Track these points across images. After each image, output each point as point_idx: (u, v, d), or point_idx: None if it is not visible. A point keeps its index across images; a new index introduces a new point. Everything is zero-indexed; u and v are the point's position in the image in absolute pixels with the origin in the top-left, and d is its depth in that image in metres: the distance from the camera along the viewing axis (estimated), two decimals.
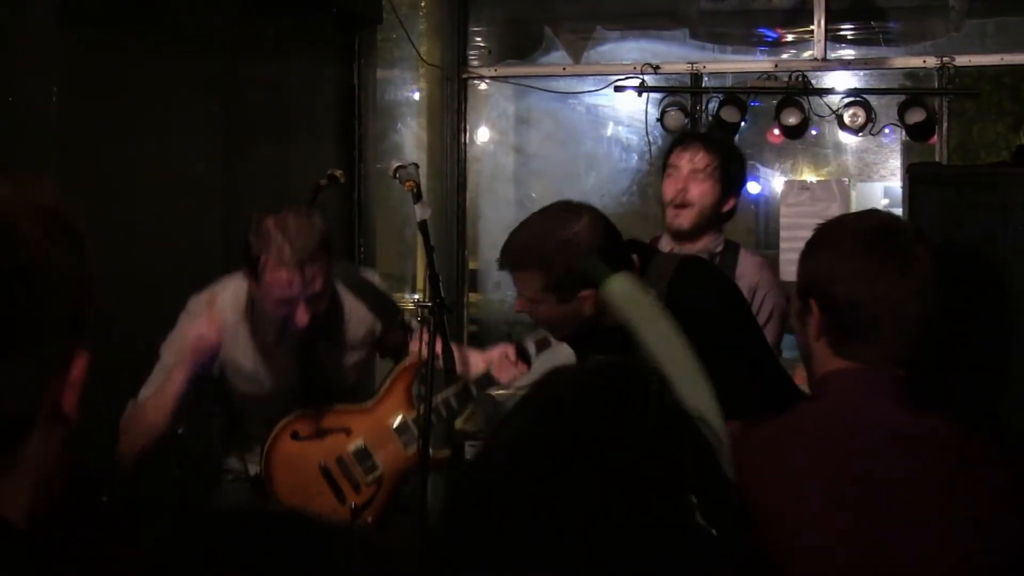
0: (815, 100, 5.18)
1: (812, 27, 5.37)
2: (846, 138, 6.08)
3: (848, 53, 5.49)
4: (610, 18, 5.88)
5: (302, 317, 2.73)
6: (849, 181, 5.77)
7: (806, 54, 5.45)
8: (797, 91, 5.16)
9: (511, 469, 1.10)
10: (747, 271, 3.32)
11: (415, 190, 2.78)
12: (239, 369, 2.94)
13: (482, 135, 6.06)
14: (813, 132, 5.67)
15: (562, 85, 5.86)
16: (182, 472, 2.89)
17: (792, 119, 5.11)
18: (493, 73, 5.81)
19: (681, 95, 5.35)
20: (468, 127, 5.82)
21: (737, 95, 5.27)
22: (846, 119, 5.12)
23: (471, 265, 5.94)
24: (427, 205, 2.80)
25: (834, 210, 4.95)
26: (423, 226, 2.77)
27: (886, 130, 5.30)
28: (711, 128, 5.23)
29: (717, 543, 1.08)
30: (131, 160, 3.49)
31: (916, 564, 1.58)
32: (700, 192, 3.40)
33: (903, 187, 3.20)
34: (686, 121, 5.25)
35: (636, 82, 5.35)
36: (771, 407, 1.80)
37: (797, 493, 1.63)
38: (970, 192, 2.38)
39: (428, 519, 2.85)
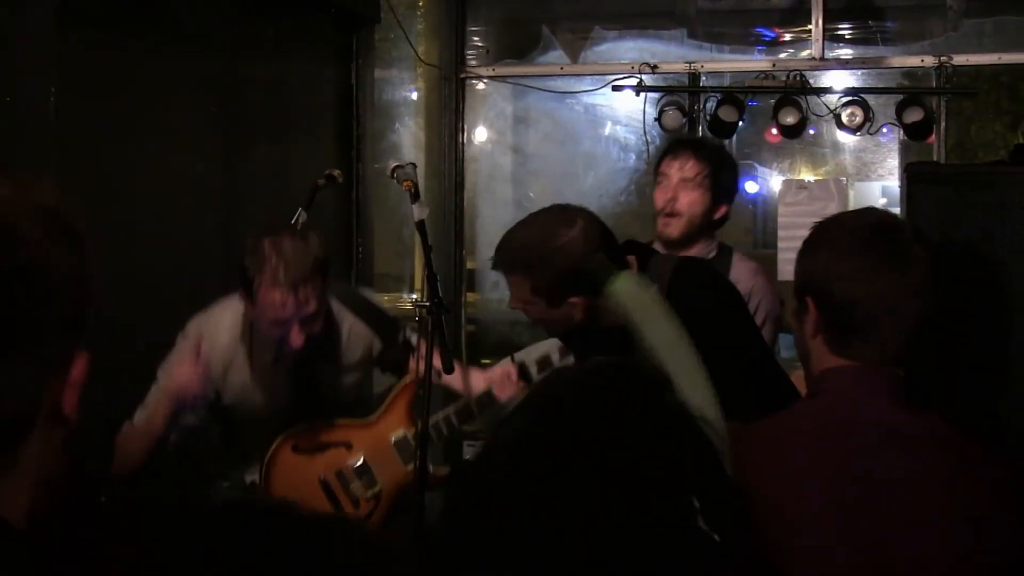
0: (813, 99, 5.18)
1: (810, 26, 5.37)
2: (844, 137, 6.09)
3: (846, 52, 5.49)
4: (608, 18, 5.88)
5: (296, 338, 2.73)
6: (847, 180, 5.78)
7: (804, 53, 5.45)
8: (795, 90, 5.16)
9: (511, 469, 1.10)
10: (741, 277, 3.30)
11: (413, 190, 2.78)
12: (236, 390, 2.96)
13: (480, 135, 6.06)
14: (811, 131, 5.67)
15: (560, 85, 5.86)
16: (179, 477, 2.91)
17: (790, 118, 5.11)
18: (491, 73, 5.81)
19: (679, 94, 5.35)
20: (466, 127, 5.82)
21: (735, 94, 5.26)
22: (844, 118, 5.12)
23: (469, 265, 5.93)
24: (425, 205, 2.80)
25: (832, 209, 4.94)
26: (421, 226, 2.77)
27: (884, 129, 5.30)
28: (709, 126, 5.23)
29: (717, 544, 1.08)
30: (130, 160, 3.49)
31: (916, 564, 1.58)
32: (689, 201, 3.40)
33: (901, 186, 3.21)
34: (684, 120, 5.25)
35: (634, 82, 5.35)
36: (770, 407, 1.80)
37: (797, 493, 1.63)
38: (968, 191, 2.38)
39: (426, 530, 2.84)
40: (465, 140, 5.81)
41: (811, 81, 5.25)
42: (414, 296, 5.36)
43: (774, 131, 5.34)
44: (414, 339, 3.01)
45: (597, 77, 5.60)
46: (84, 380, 0.97)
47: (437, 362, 2.78)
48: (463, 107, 5.79)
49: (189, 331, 2.93)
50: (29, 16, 2.93)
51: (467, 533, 1.10)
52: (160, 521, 0.91)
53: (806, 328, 1.76)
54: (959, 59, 5.17)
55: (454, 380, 3.07)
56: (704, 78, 5.47)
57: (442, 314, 2.78)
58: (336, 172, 3.29)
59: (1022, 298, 2.12)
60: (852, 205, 5.63)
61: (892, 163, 6.29)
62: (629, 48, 5.78)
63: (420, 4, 5.71)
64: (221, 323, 2.94)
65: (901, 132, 5.23)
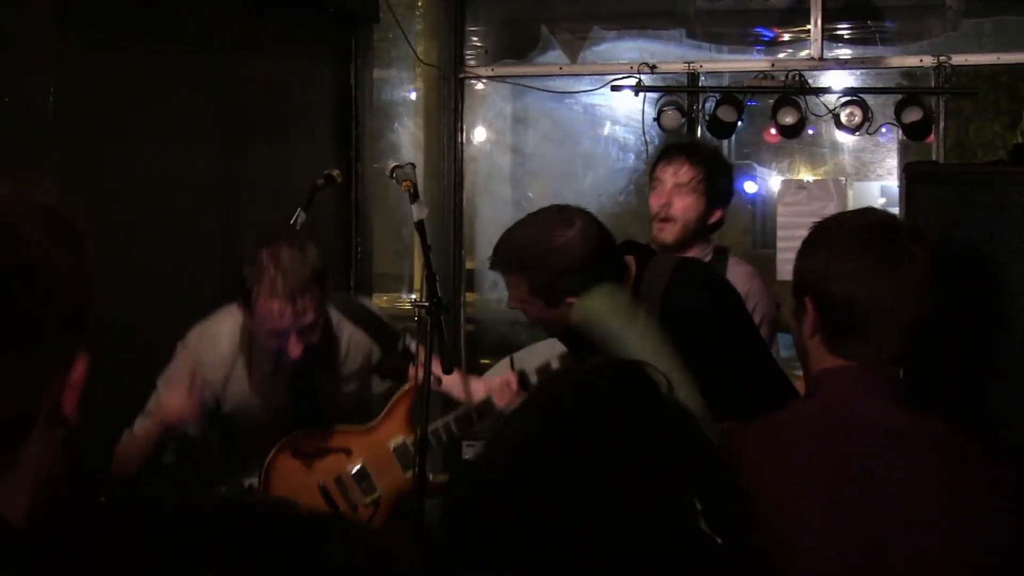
0: (812, 99, 5.18)
1: (809, 26, 5.37)
2: (843, 137, 6.09)
3: (845, 52, 5.49)
4: (607, 18, 5.88)
5: (294, 349, 2.74)
6: (846, 180, 5.78)
7: (803, 53, 5.45)
8: (794, 90, 5.16)
9: (512, 469, 1.11)
10: (736, 280, 3.28)
11: (412, 190, 2.78)
12: (236, 399, 2.96)
13: (479, 135, 6.06)
14: (810, 131, 5.68)
15: (559, 85, 5.86)
16: (178, 483, 2.91)
17: (789, 118, 5.11)
18: (490, 73, 5.81)
19: (678, 94, 5.35)
20: (465, 127, 5.82)
21: (734, 94, 5.26)
22: (843, 118, 5.12)
23: (468, 265, 5.93)
24: (424, 205, 2.80)
25: (831, 209, 4.94)
26: (420, 226, 2.77)
27: (883, 129, 5.31)
28: (708, 126, 5.23)
29: (718, 544, 1.08)
30: (129, 160, 3.49)
31: (915, 564, 1.58)
32: (683, 206, 3.40)
33: (900, 186, 3.21)
34: (683, 120, 5.24)
35: (633, 81, 5.35)
36: (769, 406, 1.80)
37: (797, 493, 1.63)
38: (967, 191, 2.37)
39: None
40: (464, 140, 5.81)
41: (810, 81, 5.25)
42: (413, 296, 5.36)
43: (773, 131, 5.34)
44: (414, 347, 3.01)
45: (596, 77, 5.60)
46: (84, 381, 0.97)
47: (437, 368, 2.78)
48: (462, 107, 5.78)
49: (189, 340, 2.93)
50: (28, 16, 2.93)
51: (467, 533, 1.10)
52: (159, 521, 0.91)
53: (805, 328, 1.76)
54: (958, 59, 5.18)
55: (454, 388, 3.08)
56: (703, 78, 5.47)
57: (441, 314, 2.78)
58: (335, 172, 3.29)
59: (1022, 298, 2.12)
60: (851, 205, 5.63)
61: (891, 163, 6.29)
62: (628, 48, 5.79)
63: (419, 4, 5.71)
64: (221, 332, 2.94)
65: (900, 132, 5.24)
